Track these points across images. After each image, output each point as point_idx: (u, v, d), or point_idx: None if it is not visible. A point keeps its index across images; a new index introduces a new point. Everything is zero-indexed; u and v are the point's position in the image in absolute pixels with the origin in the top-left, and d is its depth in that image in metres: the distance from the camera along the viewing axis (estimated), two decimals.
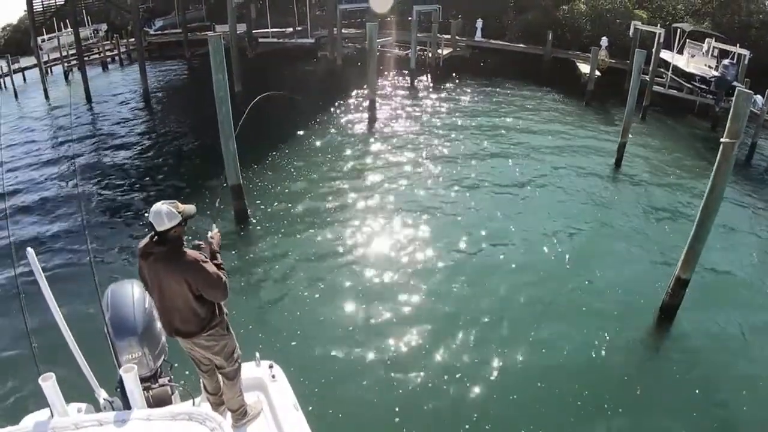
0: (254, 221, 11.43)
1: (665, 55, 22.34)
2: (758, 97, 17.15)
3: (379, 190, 13.27)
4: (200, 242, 4.27)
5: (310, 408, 4.84)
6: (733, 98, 7.34)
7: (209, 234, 4.39)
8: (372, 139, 17.30)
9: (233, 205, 11.25)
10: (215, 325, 4.13)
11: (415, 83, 24.43)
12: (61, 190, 13.52)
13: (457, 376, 7.22)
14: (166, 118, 20.42)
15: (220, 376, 4.48)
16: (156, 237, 3.90)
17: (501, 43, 29.91)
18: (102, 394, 4.29)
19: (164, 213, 3.78)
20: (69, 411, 3.89)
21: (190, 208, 3.99)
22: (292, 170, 14.36)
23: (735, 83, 18.39)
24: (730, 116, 7.24)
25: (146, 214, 11.13)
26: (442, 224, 11.55)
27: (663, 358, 7.99)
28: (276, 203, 12.33)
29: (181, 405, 4.00)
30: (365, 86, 18.66)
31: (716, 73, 20.45)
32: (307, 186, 13.37)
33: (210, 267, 3.92)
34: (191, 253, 3.96)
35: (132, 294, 4.68)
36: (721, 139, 7.30)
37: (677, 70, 22.09)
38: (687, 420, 6.72)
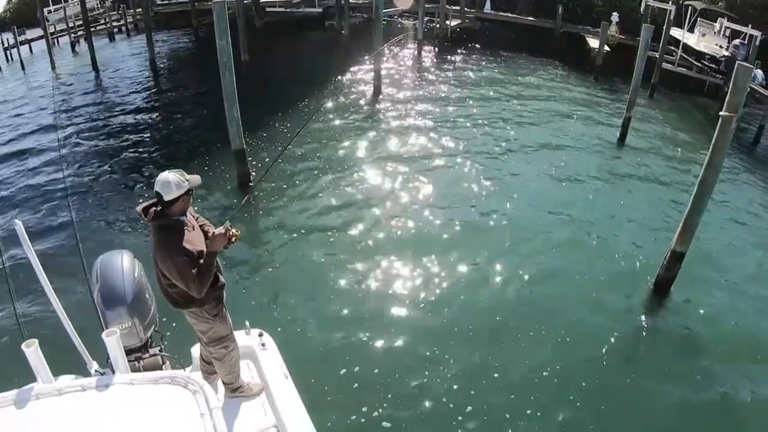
0: (257, 186, 11.52)
1: (676, 32, 22.04)
2: (758, 72, 16.99)
3: (380, 157, 13.33)
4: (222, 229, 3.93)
5: (301, 376, 4.87)
6: (734, 71, 7.33)
7: (229, 228, 3.96)
8: (375, 109, 17.31)
9: (236, 169, 11.43)
10: (194, 309, 3.99)
11: (422, 54, 24.27)
12: (48, 162, 13.57)
13: (452, 345, 7.33)
14: (173, 86, 20.44)
15: None
16: (159, 206, 3.79)
17: (510, 15, 29.53)
18: (94, 366, 4.30)
19: (173, 181, 3.70)
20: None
21: (196, 177, 3.91)
22: (297, 138, 14.32)
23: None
24: (729, 90, 7.25)
25: (143, 182, 11.51)
26: (444, 192, 11.63)
27: (656, 330, 8.08)
28: (279, 168, 12.40)
29: (163, 371, 3.98)
30: (371, 56, 18.61)
31: (726, 53, 20.19)
32: (309, 153, 13.46)
33: (184, 266, 3.67)
34: (179, 240, 3.74)
35: (121, 264, 4.69)
36: (720, 113, 7.32)
37: (687, 49, 21.82)
38: (680, 392, 6.84)
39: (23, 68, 25.12)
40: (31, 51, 27.85)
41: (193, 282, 3.70)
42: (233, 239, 3.93)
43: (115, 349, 3.80)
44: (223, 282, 4.12)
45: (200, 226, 4.12)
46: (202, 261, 3.78)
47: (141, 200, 3.96)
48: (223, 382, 4.38)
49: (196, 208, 4.14)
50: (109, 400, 3.51)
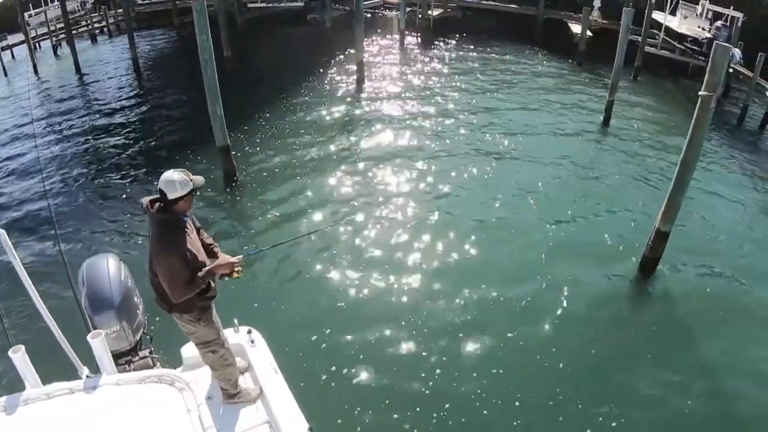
0: (243, 182, 11.59)
1: (658, 16, 22.12)
2: (736, 51, 17.08)
3: (365, 150, 13.38)
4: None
5: (292, 371, 4.86)
6: (711, 51, 7.39)
7: (240, 262, 3.94)
8: (359, 100, 17.32)
9: (222, 166, 11.41)
10: (178, 311, 3.91)
11: (405, 44, 24.25)
12: (27, 168, 13.43)
13: (438, 333, 7.39)
14: (156, 86, 20.29)
15: None
16: (161, 204, 3.75)
17: (493, 3, 29.43)
18: (85, 371, 4.27)
19: (177, 180, 3.68)
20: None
21: (200, 179, 3.90)
22: (281, 132, 14.44)
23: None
24: (708, 69, 7.31)
25: (126, 183, 11.42)
26: (428, 180, 11.72)
27: (642, 310, 8.21)
28: (264, 164, 12.44)
29: (150, 371, 3.98)
30: (354, 48, 18.59)
31: (709, 35, 20.26)
32: (295, 147, 13.46)
33: (178, 267, 3.64)
34: (181, 239, 3.71)
35: (107, 268, 4.68)
36: (699, 93, 7.38)
37: (670, 32, 21.89)
38: (665, 371, 6.94)
39: (5, 73, 24.80)
40: (13, 56, 27.45)
41: (178, 287, 3.64)
42: (235, 274, 3.90)
43: (100, 351, 3.82)
44: (213, 294, 4.04)
45: (198, 234, 4.07)
46: (200, 274, 3.75)
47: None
48: (221, 388, 4.31)
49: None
50: (97, 402, 3.53)
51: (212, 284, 3.98)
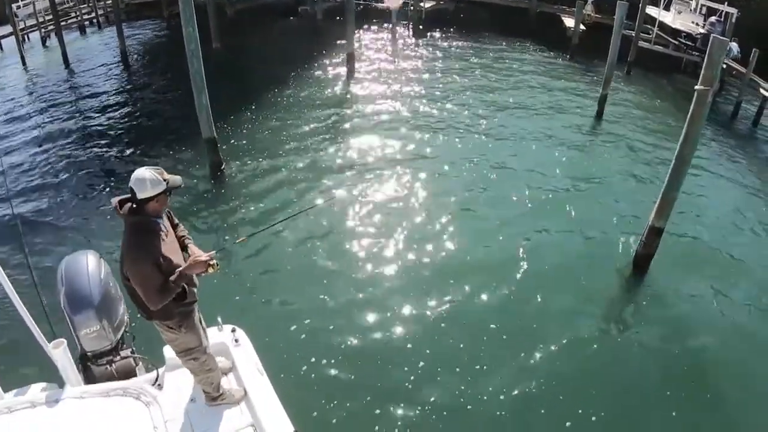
0: (229, 175, 11.42)
1: (652, 10, 22.04)
2: (733, 45, 17.03)
3: (353, 141, 13.24)
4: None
5: (276, 372, 4.72)
6: (708, 44, 7.28)
7: (212, 257, 3.73)
8: (349, 92, 17.17)
9: (208, 158, 11.27)
10: (157, 318, 3.76)
11: (397, 37, 24.04)
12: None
13: (429, 332, 7.27)
14: (144, 77, 20.02)
15: None
16: (134, 205, 3.53)
17: None
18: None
19: (148, 179, 3.44)
20: (31, 391, 3.84)
21: (176, 178, 3.63)
22: (269, 124, 14.29)
23: None
24: (704, 63, 7.20)
25: (108, 178, 11.20)
26: (418, 174, 11.60)
27: (635, 308, 8.11)
28: (252, 157, 12.27)
29: (116, 383, 3.82)
30: (345, 40, 18.44)
31: (703, 31, 20.21)
32: (283, 139, 13.30)
33: (151, 274, 3.44)
34: (153, 245, 3.51)
35: (86, 265, 4.53)
36: (695, 87, 7.28)
37: (664, 27, 21.82)
38: (658, 369, 6.88)
39: None
40: (1, 48, 27.11)
41: (152, 292, 3.46)
42: (210, 269, 3.68)
43: (63, 361, 3.67)
44: (192, 299, 3.87)
45: (175, 231, 3.89)
46: (172, 278, 3.53)
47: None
48: (203, 391, 4.19)
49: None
50: (59, 416, 3.38)
51: (188, 289, 3.78)
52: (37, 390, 3.84)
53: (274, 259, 8.67)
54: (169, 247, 3.63)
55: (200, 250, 3.90)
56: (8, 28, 26.12)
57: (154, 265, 3.46)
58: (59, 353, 3.61)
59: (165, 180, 3.54)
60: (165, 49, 24.05)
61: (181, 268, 3.60)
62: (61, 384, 3.83)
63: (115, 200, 3.61)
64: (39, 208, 10.53)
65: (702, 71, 7.22)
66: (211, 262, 3.66)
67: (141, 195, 3.46)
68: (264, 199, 10.42)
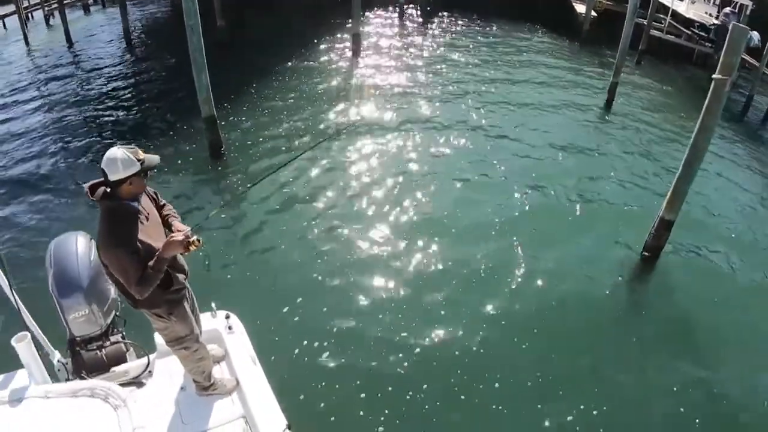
0: (229, 154, 11.26)
1: None
2: (754, 34, 16.64)
3: (356, 120, 13.06)
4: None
5: (270, 361, 4.57)
6: (729, 32, 7.01)
7: (189, 235, 3.40)
8: (353, 72, 16.93)
9: (207, 137, 11.08)
10: (144, 307, 3.58)
11: (404, 18, 23.77)
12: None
13: (430, 321, 7.09)
14: (146, 56, 19.78)
15: None
16: (107, 188, 3.29)
17: None
18: (57, 356, 4.11)
19: (120, 158, 3.18)
20: (18, 376, 3.68)
21: (153, 157, 3.37)
22: (271, 103, 14.05)
23: None
24: (723, 50, 6.93)
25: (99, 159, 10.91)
26: (419, 152, 11.45)
27: (643, 301, 7.95)
28: (252, 136, 12.10)
29: (83, 381, 3.64)
30: (351, 20, 18.19)
31: (716, 21, 19.84)
32: (284, 118, 13.09)
33: (129, 261, 3.21)
34: (129, 229, 3.27)
35: (75, 247, 4.35)
36: (713, 76, 7.02)
37: (677, 16, 21.43)
38: (663, 363, 6.72)
39: None
40: (4, 27, 26.89)
41: (134, 283, 3.23)
42: (192, 247, 3.37)
43: (27, 357, 3.48)
44: (179, 287, 3.65)
45: (160, 212, 3.66)
46: (150, 264, 3.27)
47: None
48: (193, 380, 4.03)
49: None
50: (19, 418, 3.17)
51: (173, 275, 3.56)
52: None
53: (277, 246, 8.48)
54: (149, 230, 3.39)
55: (185, 225, 3.66)
56: (11, 7, 25.92)
57: (132, 253, 3.22)
58: (22, 348, 3.43)
59: (140, 160, 3.27)
60: (168, 27, 23.77)
61: (158, 253, 3.34)
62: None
63: (86, 186, 3.36)
64: (24, 188, 10.38)
65: (721, 59, 6.96)
66: (191, 239, 3.36)
67: (113, 177, 3.21)
68: (262, 184, 10.11)
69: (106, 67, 18.34)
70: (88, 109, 14.35)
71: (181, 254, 3.50)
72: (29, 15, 27.11)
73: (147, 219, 3.43)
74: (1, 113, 14.62)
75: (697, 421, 5.97)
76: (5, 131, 13.26)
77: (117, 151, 3.22)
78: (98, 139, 12.42)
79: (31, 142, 12.41)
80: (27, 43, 22.88)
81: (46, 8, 27.56)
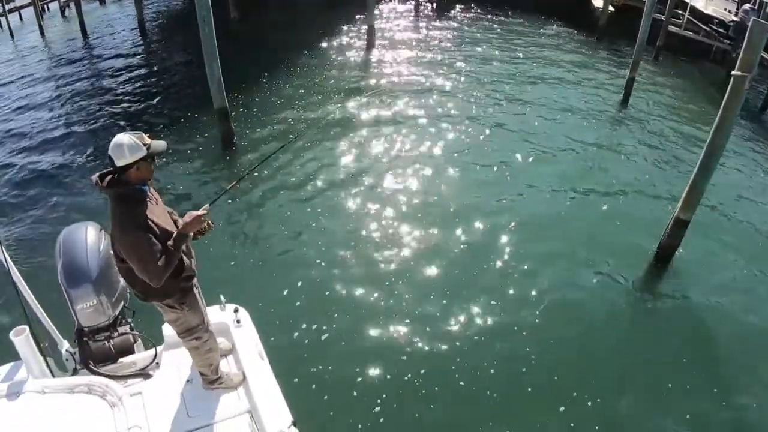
0: (241, 145, 11.27)
1: None
2: None
3: (370, 115, 12.98)
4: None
5: (277, 355, 4.52)
6: (749, 28, 6.85)
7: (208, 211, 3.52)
8: (367, 65, 16.87)
9: (219, 128, 11.10)
10: (157, 298, 3.56)
11: (420, 10, 23.69)
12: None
13: (443, 321, 7.02)
14: (161, 47, 19.91)
15: None
16: (115, 174, 3.28)
17: None
18: (65, 346, 4.09)
19: (126, 144, 3.17)
20: (18, 368, 3.66)
21: (160, 143, 3.36)
22: (284, 96, 14.04)
23: None
24: (743, 46, 6.77)
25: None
26: (436, 149, 11.36)
27: (656, 298, 7.83)
28: (265, 128, 12.09)
29: (82, 378, 3.63)
30: (366, 12, 18.12)
31: (735, 18, 19.52)
32: (298, 112, 13.07)
33: (145, 243, 3.21)
34: (140, 211, 3.27)
35: (85, 237, 4.34)
36: (732, 72, 6.86)
37: (695, 12, 21.11)
38: (677, 361, 6.63)
39: (12, 36, 24.45)
40: (21, 18, 27.10)
41: (153, 264, 3.21)
42: (206, 227, 3.49)
43: (25, 350, 3.45)
44: (190, 273, 3.65)
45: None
46: (170, 243, 3.31)
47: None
48: (200, 373, 4.02)
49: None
50: (16, 412, 3.15)
51: (186, 260, 3.56)
52: None
53: (288, 241, 8.45)
54: (157, 212, 3.40)
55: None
56: None
57: (147, 233, 3.23)
58: (21, 341, 3.39)
59: (146, 144, 3.26)
60: (183, 19, 23.84)
61: (179, 229, 3.42)
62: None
63: (94, 176, 3.34)
64: (37, 178, 10.45)
65: (741, 55, 6.79)
66: (205, 219, 3.47)
67: (119, 162, 3.20)
68: (274, 176, 10.18)
69: (120, 57, 18.45)
70: (102, 100, 14.45)
71: (194, 237, 3.55)
72: (45, 6, 27.32)
73: (156, 203, 3.45)
74: (15, 103, 14.79)
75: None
76: (20, 122, 13.39)
77: (123, 137, 3.23)
78: (111, 129, 12.43)
79: (43, 133, 12.53)
80: (42, 34, 23.06)
81: (62, 0, 27.76)
